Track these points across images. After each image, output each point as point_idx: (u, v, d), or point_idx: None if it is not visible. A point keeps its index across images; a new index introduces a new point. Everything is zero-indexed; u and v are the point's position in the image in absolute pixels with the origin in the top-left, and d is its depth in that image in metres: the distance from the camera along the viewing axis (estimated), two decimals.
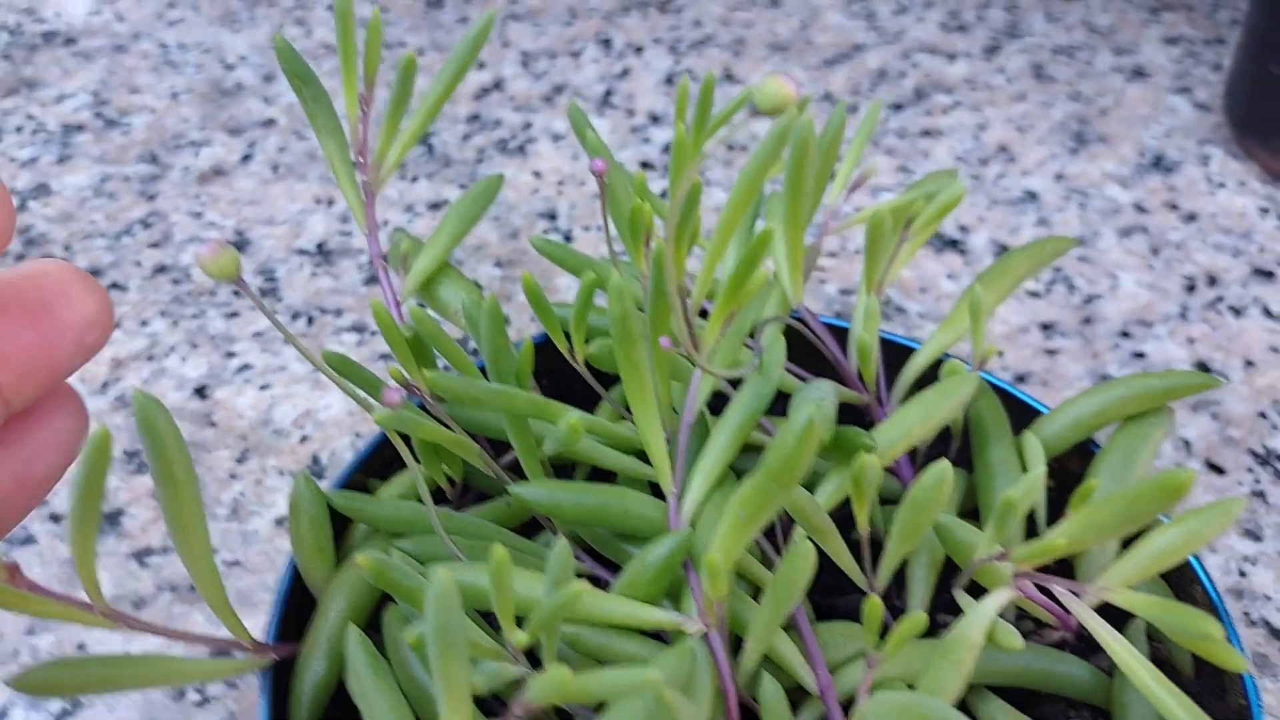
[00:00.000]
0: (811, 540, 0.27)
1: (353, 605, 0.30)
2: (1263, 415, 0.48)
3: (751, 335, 0.32)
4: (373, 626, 0.31)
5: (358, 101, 0.32)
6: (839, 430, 0.30)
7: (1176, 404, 0.49)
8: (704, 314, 0.36)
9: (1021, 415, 0.35)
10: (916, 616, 0.26)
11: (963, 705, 0.31)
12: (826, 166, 0.36)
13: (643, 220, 0.28)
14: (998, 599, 0.28)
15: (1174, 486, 0.23)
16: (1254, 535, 0.44)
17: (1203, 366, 0.51)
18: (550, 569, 0.25)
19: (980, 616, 0.27)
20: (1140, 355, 0.51)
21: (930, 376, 0.35)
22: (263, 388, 0.46)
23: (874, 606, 0.26)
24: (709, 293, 0.35)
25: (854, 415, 0.36)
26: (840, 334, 0.37)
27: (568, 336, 0.32)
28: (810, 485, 0.31)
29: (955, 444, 0.35)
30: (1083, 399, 0.34)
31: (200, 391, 0.46)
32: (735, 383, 0.33)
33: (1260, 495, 0.45)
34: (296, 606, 0.30)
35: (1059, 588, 0.26)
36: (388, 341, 0.28)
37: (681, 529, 0.28)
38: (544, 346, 0.35)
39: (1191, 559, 0.31)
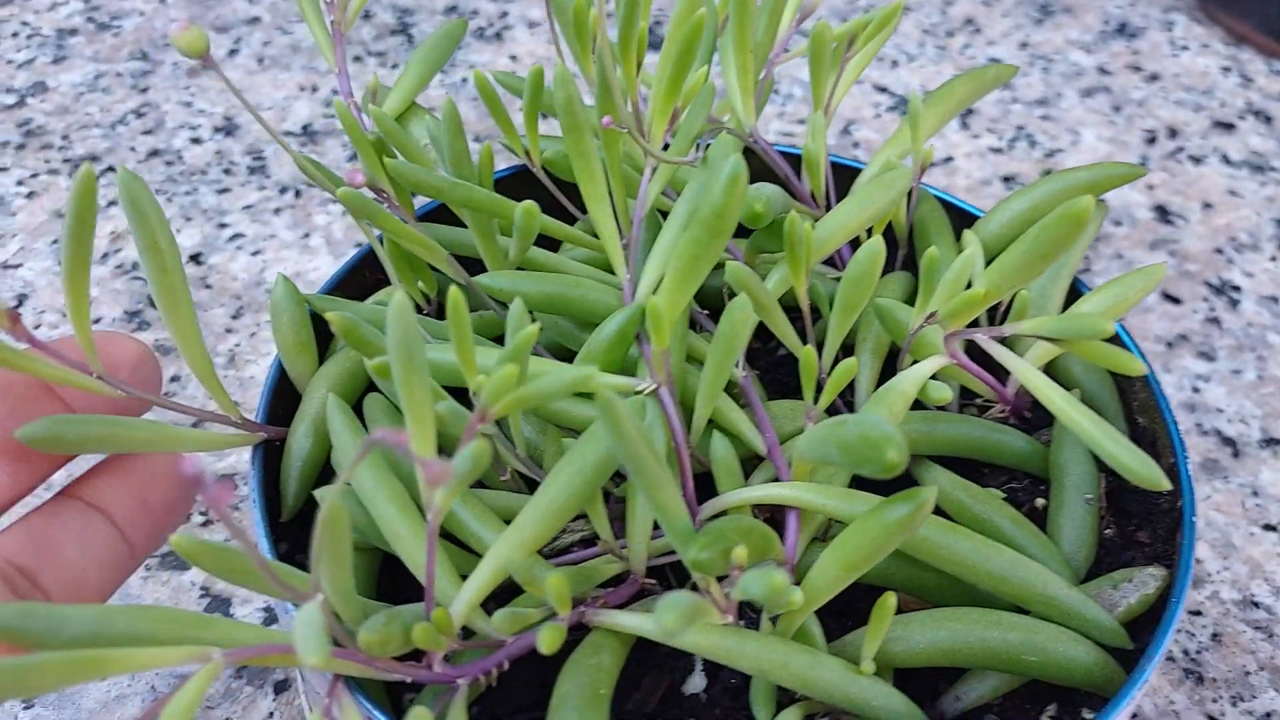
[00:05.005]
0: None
1: (336, 393, 0.32)
2: (1219, 251, 0.50)
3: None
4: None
5: None
6: (781, 218, 0.31)
7: (1136, 244, 0.51)
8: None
9: (965, 221, 0.37)
10: (848, 363, 0.28)
11: (907, 475, 0.33)
12: (778, 8, 0.38)
13: (587, 21, 0.30)
14: (931, 363, 0.30)
15: (1074, 215, 0.25)
16: (1208, 356, 0.46)
17: (1161, 210, 0.52)
18: (510, 325, 0.28)
19: (913, 373, 0.29)
20: (1100, 201, 0.52)
21: None
22: (254, 253, 0.48)
23: (809, 355, 0.28)
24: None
25: None
26: (794, 160, 0.39)
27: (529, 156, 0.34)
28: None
29: (902, 250, 0.37)
30: (1016, 198, 0.35)
31: (195, 258, 0.48)
32: None
33: (1215, 321, 0.47)
34: (283, 397, 0.32)
35: (981, 336, 0.28)
36: (353, 140, 0.30)
37: (634, 303, 0.30)
38: (512, 179, 0.37)
39: (1119, 328, 0.33)
